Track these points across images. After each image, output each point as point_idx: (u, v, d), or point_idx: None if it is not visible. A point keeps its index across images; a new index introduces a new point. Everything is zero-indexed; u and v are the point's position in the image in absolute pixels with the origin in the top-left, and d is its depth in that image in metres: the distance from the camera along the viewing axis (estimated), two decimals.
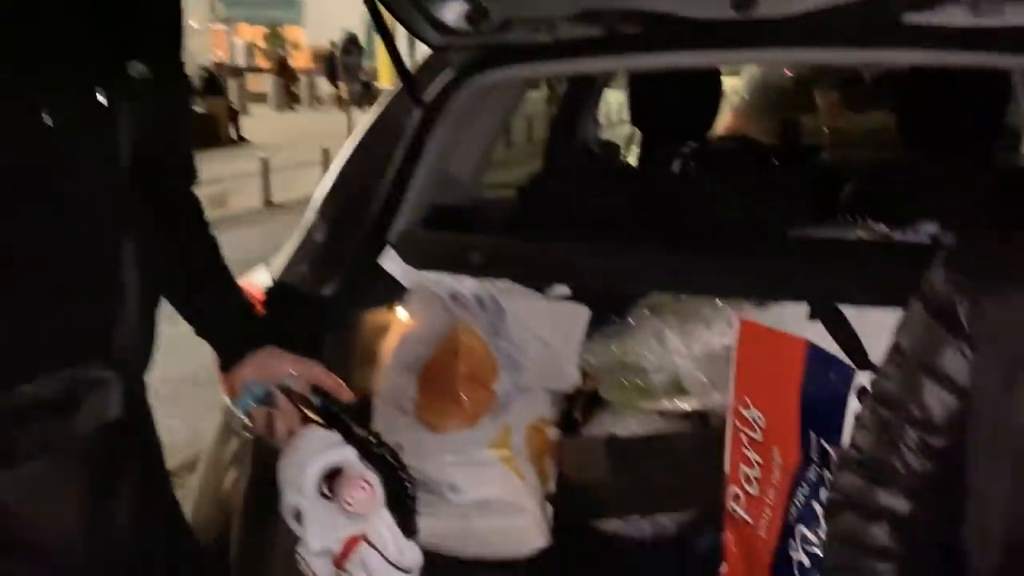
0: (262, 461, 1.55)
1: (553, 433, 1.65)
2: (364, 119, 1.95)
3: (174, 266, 1.26)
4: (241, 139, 15.17)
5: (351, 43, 10.76)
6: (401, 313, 1.70)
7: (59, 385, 1.05)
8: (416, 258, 1.64)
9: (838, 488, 0.99)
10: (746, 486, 1.45)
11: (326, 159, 10.27)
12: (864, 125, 3.73)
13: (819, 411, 1.30)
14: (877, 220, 1.79)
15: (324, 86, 23.83)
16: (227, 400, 1.70)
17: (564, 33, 1.77)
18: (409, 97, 1.84)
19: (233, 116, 15.33)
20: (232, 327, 1.33)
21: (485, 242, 1.62)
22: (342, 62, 10.72)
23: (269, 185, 9.34)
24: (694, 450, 1.56)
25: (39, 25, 0.98)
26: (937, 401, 0.89)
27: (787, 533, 1.36)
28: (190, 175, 1.31)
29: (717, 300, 1.57)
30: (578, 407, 1.80)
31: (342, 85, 20.24)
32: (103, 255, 1.09)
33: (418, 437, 1.60)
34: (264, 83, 23.45)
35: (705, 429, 1.60)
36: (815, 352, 1.31)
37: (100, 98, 1.03)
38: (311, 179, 10.12)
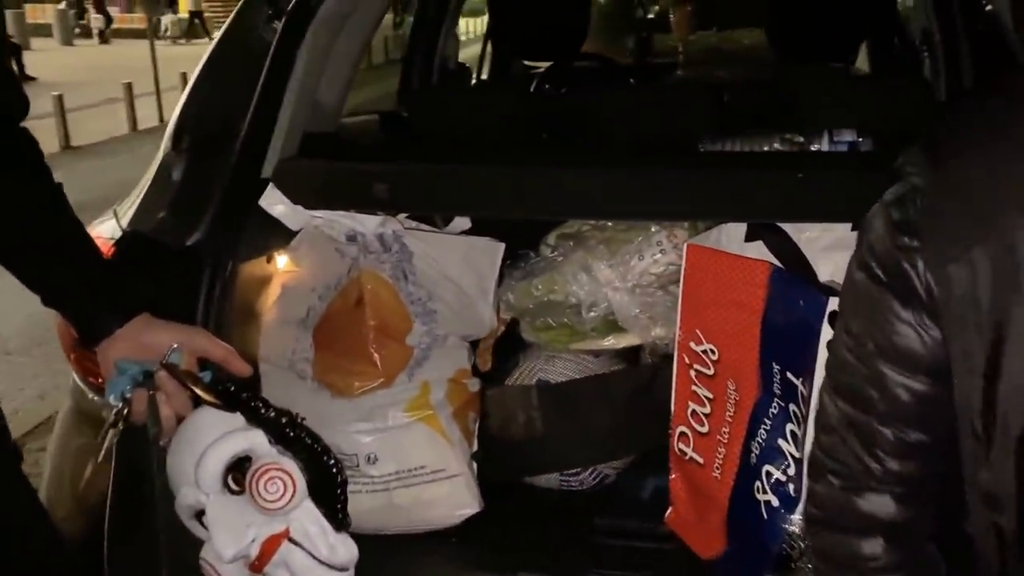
0: (134, 451, 1.28)
1: (474, 385, 1.47)
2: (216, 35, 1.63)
3: (9, 219, 0.97)
4: (26, 77, 13.62)
5: None
6: (285, 260, 1.45)
7: None
8: (303, 195, 1.39)
9: (813, 500, 0.83)
10: (696, 425, 1.34)
11: (130, 95, 9.37)
12: (714, 42, 3.71)
13: (784, 341, 1.19)
14: (778, 131, 1.71)
15: (116, 16, 21.80)
16: (78, 378, 1.41)
17: None
18: (267, 6, 1.55)
19: (15, 51, 13.72)
20: (94, 294, 1.05)
21: (391, 170, 1.38)
22: None
23: (66, 126, 8.39)
24: (635, 391, 1.42)
25: None
26: (905, 390, 0.73)
27: (749, 473, 1.26)
28: (17, 104, 1.01)
29: (651, 226, 1.43)
30: (482, 353, 1.63)
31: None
32: None
33: (321, 404, 1.38)
34: (46, 14, 21.08)
35: (642, 367, 1.47)
36: (780, 277, 1.20)
37: None
38: (115, 117, 9.26)
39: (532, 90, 2.97)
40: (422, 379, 1.40)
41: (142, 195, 1.43)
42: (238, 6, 1.59)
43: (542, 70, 3.29)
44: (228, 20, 1.60)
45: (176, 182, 1.41)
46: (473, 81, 3.31)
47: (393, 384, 1.38)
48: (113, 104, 9.81)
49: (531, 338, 1.50)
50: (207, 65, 1.54)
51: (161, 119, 9.83)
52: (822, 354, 1.15)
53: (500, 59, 3.41)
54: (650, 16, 4.34)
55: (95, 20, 20.36)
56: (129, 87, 9.32)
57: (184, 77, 10.24)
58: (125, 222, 1.39)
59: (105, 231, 1.39)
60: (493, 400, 1.47)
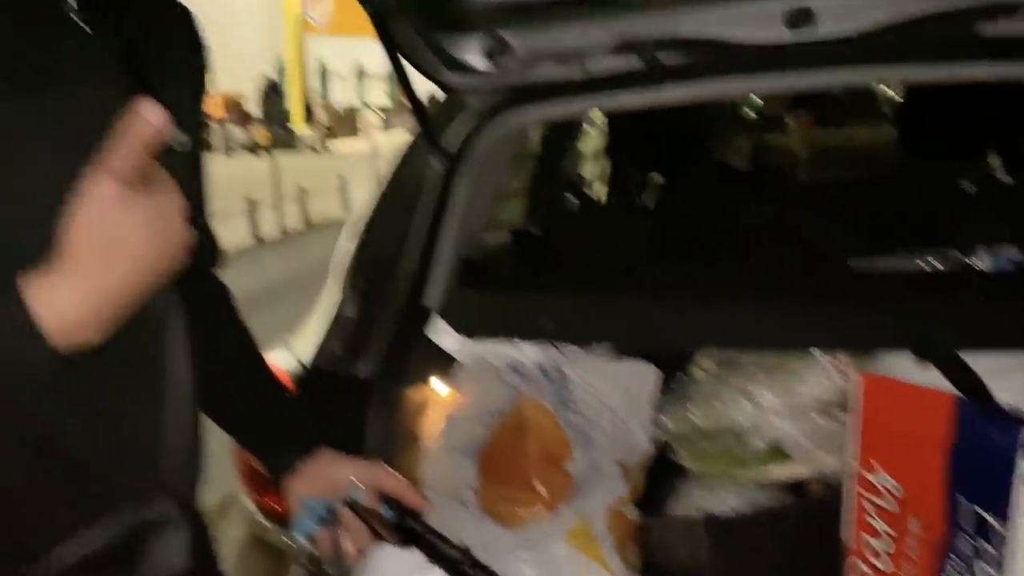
0: None
1: (632, 513, 1.46)
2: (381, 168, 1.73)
3: (207, 363, 1.03)
4: None
5: (272, 89, 10.42)
6: (450, 389, 1.49)
7: (112, 533, 0.80)
8: (468, 325, 1.44)
9: None
10: (874, 560, 1.28)
11: (252, 209, 9.90)
12: (838, 142, 3.66)
13: (974, 475, 1.15)
14: (934, 246, 1.67)
15: (239, 133, 23.29)
16: (253, 506, 1.47)
17: (597, 66, 1.60)
18: (430, 147, 1.64)
19: None
20: (280, 432, 1.11)
21: (556, 302, 1.43)
22: (264, 108, 10.34)
23: None
24: (805, 524, 1.38)
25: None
26: None
27: None
28: (215, 253, 1.09)
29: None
30: (633, 479, 1.61)
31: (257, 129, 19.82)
32: (146, 354, 0.86)
33: (485, 533, 1.39)
34: None
35: (812, 499, 1.43)
36: (966, 407, 1.16)
37: None
38: (236, 231, 9.79)
39: (659, 206, 3.00)
40: (583, 508, 1.39)
41: (315, 328, 1.50)
42: (405, 145, 1.69)
43: (662, 182, 3.33)
44: (395, 158, 1.70)
45: (346, 316, 1.48)
46: (590, 192, 3.37)
47: (555, 513, 1.38)
48: (234, 218, 10.37)
49: (689, 465, 1.48)
50: (376, 202, 1.64)
51: (283, 232, 10.36)
52: (1020, 487, 1.10)
53: (619, 173, 3.47)
54: (761, 116, 4.34)
55: (240, 133, 21.49)
56: (251, 202, 9.85)
57: (300, 189, 10.81)
58: (299, 353, 1.47)
59: (280, 362, 1.46)
60: (654, 530, 1.45)
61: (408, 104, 1.59)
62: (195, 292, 1.04)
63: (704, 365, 1.53)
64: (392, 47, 1.48)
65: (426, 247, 1.55)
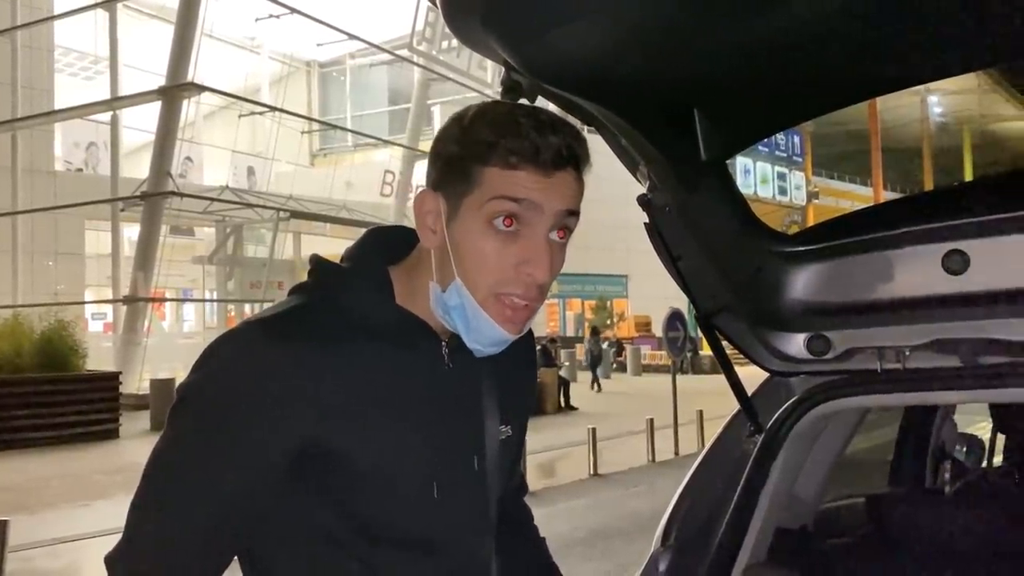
0: None
1: None
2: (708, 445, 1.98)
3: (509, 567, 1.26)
4: (570, 407, 15.85)
5: (674, 319, 11.14)
6: None
7: None
8: None
9: None
10: None
11: (651, 429, 10.38)
12: None
13: None
14: None
15: (648, 353, 24.72)
16: None
17: (915, 363, 1.72)
18: (749, 423, 1.86)
19: (564, 384, 16.14)
20: None
21: None
22: (667, 337, 11.06)
23: (596, 455, 9.55)
24: None
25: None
26: None
27: None
28: (524, 489, 1.39)
29: None
30: None
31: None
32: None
33: None
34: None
35: None
36: None
37: (475, 466, 1.12)
38: (637, 448, 10.29)
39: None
40: None
41: None
42: (725, 423, 1.93)
43: None
44: (715, 435, 1.95)
45: (661, 573, 1.71)
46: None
47: None
48: (635, 436, 10.92)
49: None
50: (695, 472, 1.88)
51: (676, 452, 10.66)
52: None
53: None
54: None
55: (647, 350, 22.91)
56: (651, 422, 10.35)
57: (700, 415, 11.09)
58: None
59: None
60: None
61: (731, 387, 1.84)
62: (516, 522, 1.34)
63: None
64: (715, 338, 1.75)
65: (740, 513, 1.74)
